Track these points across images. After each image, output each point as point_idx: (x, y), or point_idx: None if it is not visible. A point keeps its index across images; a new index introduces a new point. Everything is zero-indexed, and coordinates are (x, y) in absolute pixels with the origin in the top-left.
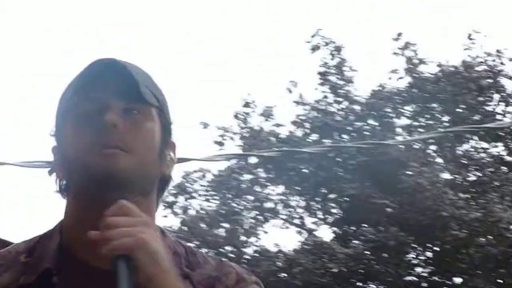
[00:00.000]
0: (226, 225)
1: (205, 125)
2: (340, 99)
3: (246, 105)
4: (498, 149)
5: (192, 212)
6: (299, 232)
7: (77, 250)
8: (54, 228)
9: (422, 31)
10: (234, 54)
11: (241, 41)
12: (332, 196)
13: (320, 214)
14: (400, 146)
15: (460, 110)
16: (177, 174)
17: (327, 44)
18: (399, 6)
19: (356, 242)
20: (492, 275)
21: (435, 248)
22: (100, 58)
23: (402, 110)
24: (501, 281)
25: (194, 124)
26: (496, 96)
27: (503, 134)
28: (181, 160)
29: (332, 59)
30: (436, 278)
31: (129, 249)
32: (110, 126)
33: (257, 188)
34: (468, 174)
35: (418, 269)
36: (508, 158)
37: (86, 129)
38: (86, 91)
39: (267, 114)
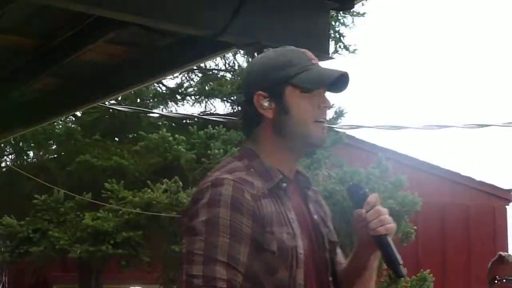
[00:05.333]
0: None
1: None
2: None
3: None
4: None
5: None
6: None
7: (279, 167)
8: (246, 154)
9: None
10: None
11: None
12: None
13: None
14: None
15: None
16: None
17: None
18: None
19: None
20: None
21: None
22: (336, 71)
23: None
24: None
25: None
26: None
27: None
28: None
29: None
30: None
31: (391, 232)
32: (328, 108)
33: None
34: None
35: None
36: None
37: (311, 103)
38: (321, 83)
39: None
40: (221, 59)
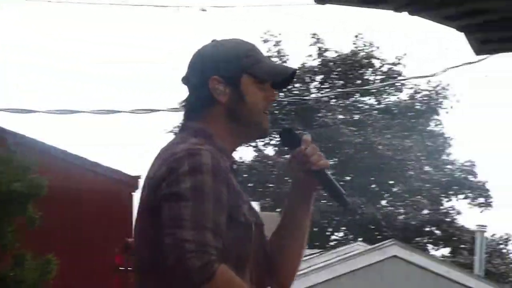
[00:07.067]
0: None
1: None
2: None
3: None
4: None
5: None
6: None
7: (228, 150)
8: (199, 133)
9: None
10: None
11: None
12: None
13: None
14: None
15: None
16: None
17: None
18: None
19: None
20: None
21: None
22: (289, 67)
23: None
24: None
25: None
26: (369, 71)
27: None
28: None
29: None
30: None
31: (328, 166)
32: (275, 100)
33: None
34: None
35: None
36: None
37: (262, 94)
38: (276, 75)
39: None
40: None
